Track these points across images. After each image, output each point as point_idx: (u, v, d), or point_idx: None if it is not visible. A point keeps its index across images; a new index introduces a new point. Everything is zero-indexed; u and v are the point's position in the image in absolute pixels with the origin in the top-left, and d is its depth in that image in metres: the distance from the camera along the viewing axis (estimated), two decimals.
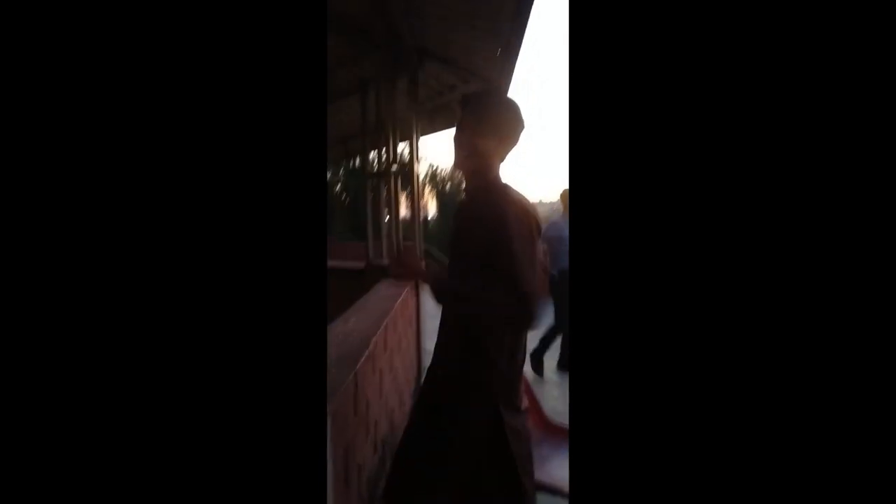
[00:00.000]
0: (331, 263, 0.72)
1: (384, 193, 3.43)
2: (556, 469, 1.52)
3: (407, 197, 3.64)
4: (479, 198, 1.04)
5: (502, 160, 1.10)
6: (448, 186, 15.31)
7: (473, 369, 1.01)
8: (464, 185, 1.17)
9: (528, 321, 0.93)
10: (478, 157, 1.07)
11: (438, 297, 1.00)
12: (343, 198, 14.01)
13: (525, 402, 1.07)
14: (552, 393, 2.97)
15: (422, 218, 3.62)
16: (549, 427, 1.79)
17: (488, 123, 1.06)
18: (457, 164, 1.12)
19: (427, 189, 15.10)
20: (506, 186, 1.05)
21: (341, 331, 1.43)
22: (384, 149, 3.21)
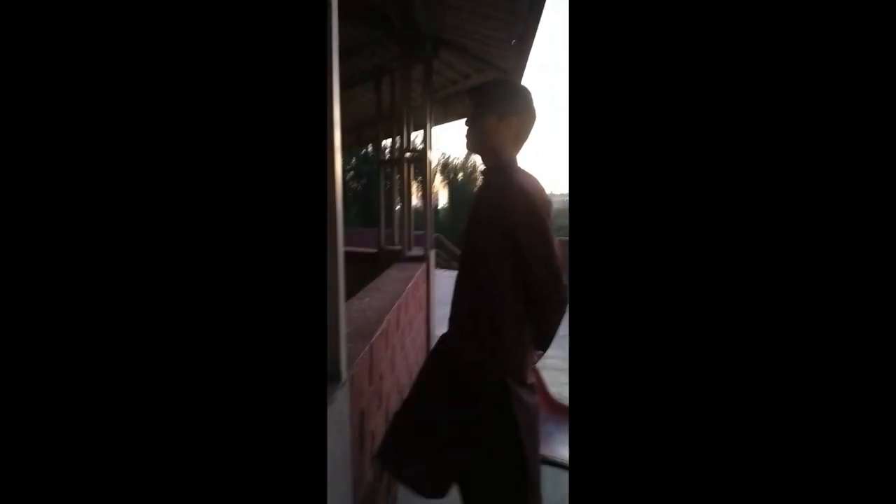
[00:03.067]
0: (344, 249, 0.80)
1: (397, 181, 3.48)
2: (558, 445, 1.57)
3: (419, 185, 3.69)
4: (497, 182, 1.08)
5: (517, 146, 1.13)
6: (460, 176, 15.31)
7: (483, 342, 1.06)
8: (480, 172, 1.22)
9: (563, 301, 1.01)
10: (492, 144, 1.10)
11: None
12: (355, 185, 14.12)
13: (532, 379, 1.11)
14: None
15: (433, 206, 3.67)
16: (553, 405, 1.85)
17: (500, 110, 1.09)
18: (470, 150, 1.16)
19: (439, 177, 15.12)
20: (522, 171, 1.08)
21: (357, 308, 1.51)
22: (398, 136, 3.26)
